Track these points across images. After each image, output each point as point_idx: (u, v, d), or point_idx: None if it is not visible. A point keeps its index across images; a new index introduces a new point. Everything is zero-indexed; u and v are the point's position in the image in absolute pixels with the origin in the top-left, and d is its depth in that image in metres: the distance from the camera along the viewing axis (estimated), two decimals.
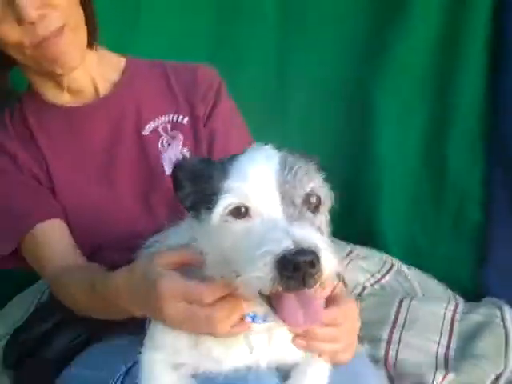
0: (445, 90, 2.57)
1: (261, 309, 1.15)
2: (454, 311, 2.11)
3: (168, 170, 1.81)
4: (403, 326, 2.03)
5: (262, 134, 2.59)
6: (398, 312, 2.10)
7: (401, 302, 2.16)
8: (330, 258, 1.02)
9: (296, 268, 0.98)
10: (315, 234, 1.04)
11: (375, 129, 2.67)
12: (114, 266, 1.43)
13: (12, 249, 1.71)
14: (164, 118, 1.86)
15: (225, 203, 1.08)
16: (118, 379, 1.45)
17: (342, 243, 2.57)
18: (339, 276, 1.36)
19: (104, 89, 1.84)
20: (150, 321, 1.37)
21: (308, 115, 2.76)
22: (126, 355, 1.45)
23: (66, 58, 1.63)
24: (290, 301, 1.06)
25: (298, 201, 1.08)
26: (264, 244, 1.02)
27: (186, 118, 1.87)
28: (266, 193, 1.07)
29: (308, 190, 1.09)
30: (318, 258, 0.99)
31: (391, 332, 2.02)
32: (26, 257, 1.74)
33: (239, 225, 1.09)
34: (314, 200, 1.11)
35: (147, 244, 1.45)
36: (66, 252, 1.71)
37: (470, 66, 2.49)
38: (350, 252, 2.54)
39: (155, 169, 1.81)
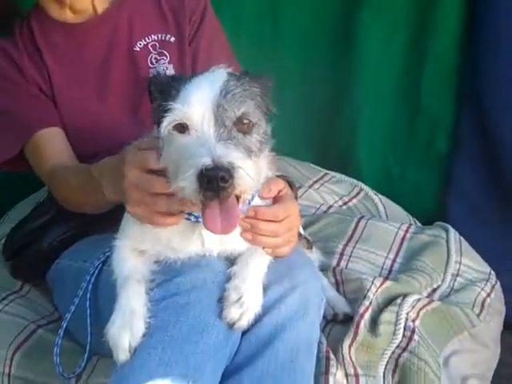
0: (426, 18, 2.67)
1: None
2: (406, 231, 2.27)
3: None
4: (357, 241, 2.20)
5: (259, 54, 2.79)
6: (355, 228, 2.27)
7: (359, 219, 2.32)
8: (245, 175, 1.20)
9: (209, 182, 1.18)
10: (237, 152, 1.23)
11: (358, 53, 2.80)
12: None
13: (16, 152, 1.91)
14: (153, 37, 2.02)
15: (168, 119, 1.28)
16: (97, 266, 1.67)
17: (317, 168, 2.77)
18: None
19: (101, 7, 2.00)
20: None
21: (302, 35, 2.90)
22: (106, 247, 1.63)
23: None
24: (212, 209, 1.27)
25: (229, 123, 1.26)
26: (191, 158, 1.22)
27: (173, 38, 2.03)
28: (202, 114, 1.25)
29: (239, 113, 1.27)
30: (230, 174, 1.18)
31: (345, 245, 2.18)
32: (29, 159, 1.94)
33: (180, 138, 1.28)
34: (245, 122, 1.28)
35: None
36: (64, 154, 1.91)
37: None
38: (324, 175, 2.73)
39: (144, 83, 1.96)
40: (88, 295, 1.65)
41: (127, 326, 1.38)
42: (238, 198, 1.27)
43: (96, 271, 1.67)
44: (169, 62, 2.01)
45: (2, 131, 1.94)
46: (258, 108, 1.32)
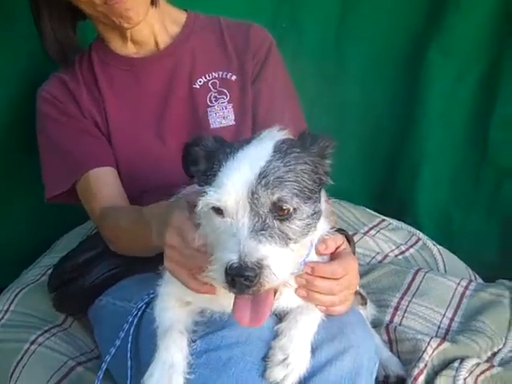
0: (498, 60, 2.57)
1: None
2: (466, 287, 2.16)
3: (212, 124, 1.95)
4: (413, 295, 2.10)
5: (321, 92, 2.74)
6: (411, 281, 2.17)
7: (416, 272, 2.22)
8: (274, 272, 1.15)
9: (231, 283, 1.15)
10: (270, 245, 1.17)
11: (424, 96, 2.71)
12: None
13: (67, 187, 1.91)
14: (214, 74, 1.99)
15: (203, 203, 1.23)
16: (140, 308, 1.62)
17: (374, 214, 2.68)
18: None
19: (164, 42, 2.00)
20: None
21: (365, 75, 2.83)
22: (151, 288, 1.58)
23: (130, 14, 1.81)
24: (242, 300, 1.23)
25: (264, 211, 1.19)
26: (222, 248, 1.19)
27: (235, 76, 1.99)
28: (236, 201, 1.18)
29: (274, 199, 1.19)
30: (256, 273, 1.14)
31: (401, 299, 2.09)
32: (79, 195, 1.94)
33: (217, 220, 1.23)
34: (284, 209, 1.20)
35: (182, 193, 1.57)
36: (115, 195, 1.90)
37: None
38: (381, 222, 2.64)
39: (202, 122, 1.95)
40: (130, 338, 1.60)
41: (166, 381, 1.33)
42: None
43: (139, 313, 1.62)
44: (228, 102, 1.97)
45: (56, 166, 1.95)
46: (301, 190, 1.23)
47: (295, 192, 1.21)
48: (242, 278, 1.14)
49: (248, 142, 1.28)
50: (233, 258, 1.15)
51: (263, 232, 1.18)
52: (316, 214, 1.27)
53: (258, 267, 1.14)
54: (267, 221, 1.19)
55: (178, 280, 1.39)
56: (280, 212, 1.20)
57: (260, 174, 1.19)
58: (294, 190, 1.21)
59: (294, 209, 1.21)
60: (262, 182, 1.18)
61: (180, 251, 1.35)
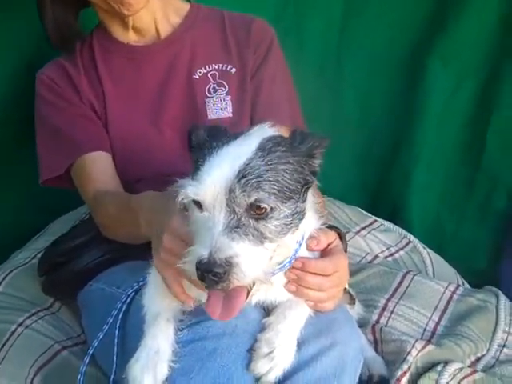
0: (497, 67, 2.58)
1: None
2: (454, 292, 2.16)
3: (210, 115, 1.95)
4: (401, 297, 2.10)
5: (319, 96, 2.75)
6: (400, 283, 2.17)
7: (405, 274, 2.22)
8: (243, 270, 1.16)
9: (201, 277, 1.16)
10: (242, 243, 1.17)
11: (421, 102, 2.72)
12: None
13: (63, 171, 1.92)
14: (214, 66, 1.99)
15: (182, 195, 1.24)
16: (129, 295, 1.63)
17: (366, 214, 2.69)
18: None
19: (165, 31, 2.00)
20: None
21: (363, 81, 2.84)
22: (141, 275, 1.58)
23: (131, 0, 1.80)
24: (215, 295, 1.24)
25: (239, 210, 1.19)
26: (197, 242, 1.20)
27: (234, 69, 1.99)
28: (214, 197, 1.19)
29: (250, 201, 1.18)
30: (224, 270, 1.14)
31: (388, 300, 2.09)
32: (74, 179, 1.94)
33: (197, 213, 1.24)
34: (261, 208, 1.19)
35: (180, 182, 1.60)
36: (109, 180, 1.90)
37: None
38: (373, 222, 2.65)
39: (199, 112, 1.95)
40: (118, 323, 1.61)
41: (150, 368, 1.33)
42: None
43: (128, 299, 1.63)
44: (227, 94, 1.97)
45: (52, 149, 1.95)
46: (280, 190, 1.21)
47: (273, 192, 1.20)
48: (211, 273, 1.14)
49: (235, 137, 1.28)
50: (204, 253, 1.15)
51: (237, 230, 1.18)
52: (297, 214, 1.26)
53: (227, 264, 1.15)
54: (242, 219, 1.19)
55: (164, 281, 1.40)
56: (257, 211, 1.19)
57: (239, 172, 1.18)
58: (273, 189, 1.20)
59: (272, 208, 1.20)
60: (241, 182, 1.17)
61: (175, 253, 1.33)
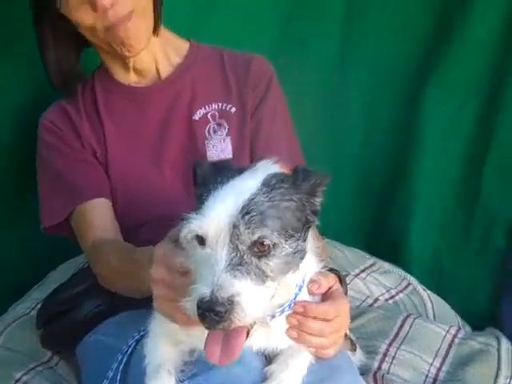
0: (496, 94, 2.57)
1: None
2: (454, 336, 2.15)
3: (211, 157, 1.94)
4: (402, 342, 2.09)
5: (323, 123, 2.76)
6: (401, 327, 2.15)
7: (406, 318, 2.20)
8: (245, 309, 1.14)
9: (202, 317, 1.13)
10: (245, 281, 1.15)
11: (418, 138, 2.72)
12: (150, 244, 1.55)
13: (63, 218, 1.91)
14: (214, 106, 1.99)
15: (186, 230, 1.22)
16: (130, 346, 1.60)
17: (366, 255, 2.68)
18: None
19: (165, 71, 2.00)
20: None
21: (368, 109, 2.85)
22: (142, 325, 1.55)
23: (132, 42, 1.82)
24: (214, 335, 1.22)
25: (242, 247, 1.17)
26: (199, 279, 1.18)
27: (234, 108, 1.99)
28: (217, 233, 1.17)
29: (254, 238, 1.17)
30: (226, 309, 1.12)
31: (389, 345, 2.07)
32: (73, 226, 1.92)
33: (199, 250, 1.22)
34: (264, 244, 1.17)
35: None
36: (108, 227, 1.89)
37: None
38: (372, 264, 2.63)
39: (199, 153, 1.94)
40: (118, 376, 1.58)
41: None
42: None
43: (129, 350, 1.60)
44: (226, 134, 1.97)
45: (53, 195, 1.95)
46: (283, 227, 1.20)
47: (276, 229, 1.19)
48: (212, 312, 1.12)
49: (240, 172, 1.28)
50: (205, 291, 1.13)
51: (240, 268, 1.16)
52: (298, 253, 1.25)
53: (229, 303, 1.13)
54: (245, 256, 1.17)
55: (166, 317, 1.37)
56: (260, 247, 1.18)
57: (243, 208, 1.17)
58: (276, 226, 1.19)
59: (274, 244, 1.19)
60: (245, 218, 1.16)
61: (168, 283, 1.32)
